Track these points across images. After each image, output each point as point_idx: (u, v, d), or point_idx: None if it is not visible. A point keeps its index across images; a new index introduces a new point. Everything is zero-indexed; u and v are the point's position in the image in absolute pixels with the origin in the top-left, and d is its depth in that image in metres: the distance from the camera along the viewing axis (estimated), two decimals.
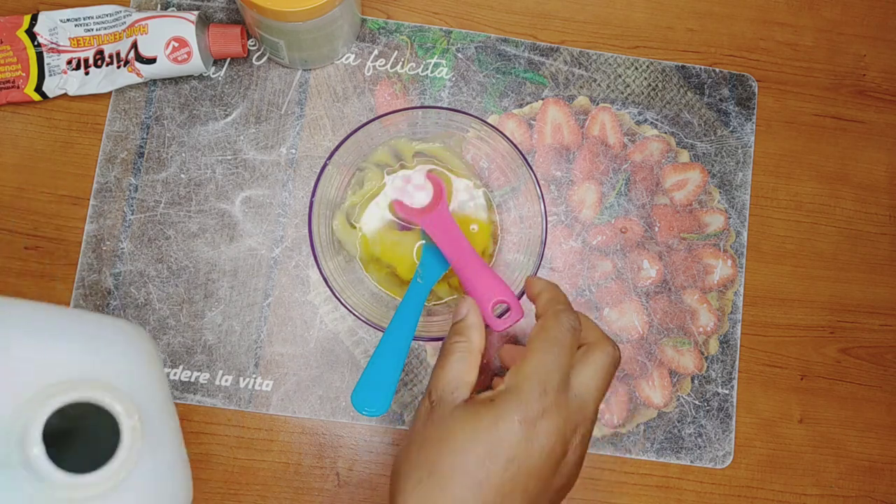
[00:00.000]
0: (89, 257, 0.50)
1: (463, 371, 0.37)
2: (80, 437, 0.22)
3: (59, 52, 0.50)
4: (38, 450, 0.20)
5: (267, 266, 0.51)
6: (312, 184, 0.45)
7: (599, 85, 0.55)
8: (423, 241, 0.48)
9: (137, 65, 0.49)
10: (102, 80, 0.50)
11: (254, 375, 0.50)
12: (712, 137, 0.55)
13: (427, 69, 0.54)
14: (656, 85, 0.55)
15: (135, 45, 0.49)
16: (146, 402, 0.23)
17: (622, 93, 0.55)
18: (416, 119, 0.48)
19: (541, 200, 0.45)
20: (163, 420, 0.25)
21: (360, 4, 0.52)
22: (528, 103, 0.54)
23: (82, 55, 0.50)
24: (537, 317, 0.38)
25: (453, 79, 0.54)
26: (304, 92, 0.53)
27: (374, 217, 0.49)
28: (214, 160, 0.52)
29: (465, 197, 0.50)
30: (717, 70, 0.56)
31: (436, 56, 0.54)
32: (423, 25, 0.54)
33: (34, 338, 0.23)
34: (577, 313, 0.38)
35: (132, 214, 0.51)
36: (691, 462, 0.51)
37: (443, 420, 0.35)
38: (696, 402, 0.52)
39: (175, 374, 0.50)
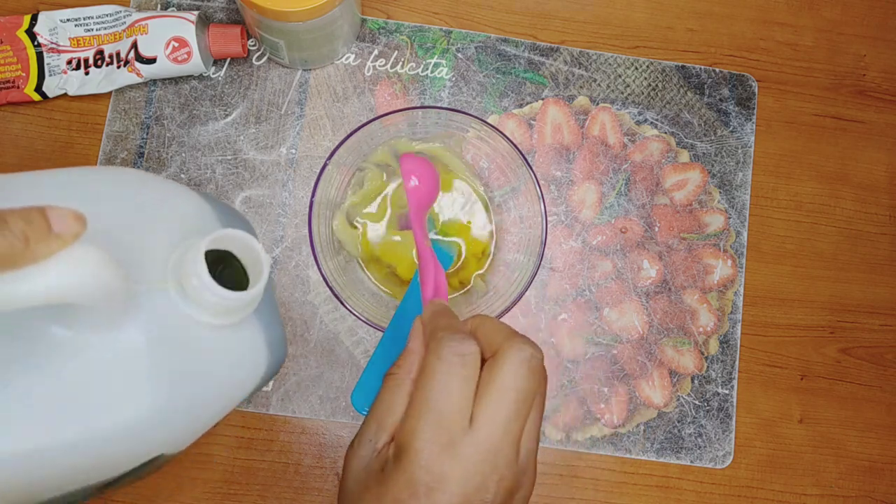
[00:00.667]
0: None
1: (384, 412, 0.29)
2: None
3: (59, 52, 0.50)
4: (202, 268, 0.24)
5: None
6: (312, 184, 0.45)
7: (599, 85, 0.55)
8: None
9: (137, 65, 0.49)
10: (102, 80, 0.50)
11: None
12: (712, 137, 0.55)
13: (427, 69, 0.54)
14: (656, 85, 0.55)
15: (135, 45, 0.49)
16: None
17: (622, 93, 0.55)
18: (416, 119, 0.48)
19: (541, 200, 0.45)
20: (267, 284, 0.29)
21: (360, 4, 0.52)
22: (528, 103, 0.54)
23: (82, 55, 0.50)
24: (485, 357, 0.30)
25: (453, 79, 0.54)
26: (304, 92, 0.53)
27: (375, 217, 0.49)
28: (214, 160, 0.52)
29: (465, 197, 0.50)
30: (717, 70, 0.56)
31: (436, 56, 0.54)
32: (423, 25, 0.54)
33: (174, 198, 0.28)
34: (466, 330, 0.30)
35: None
36: (691, 462, 0.51)
37: (345, 485, 0.30)
38: (696, 402, 0.52)
39: None
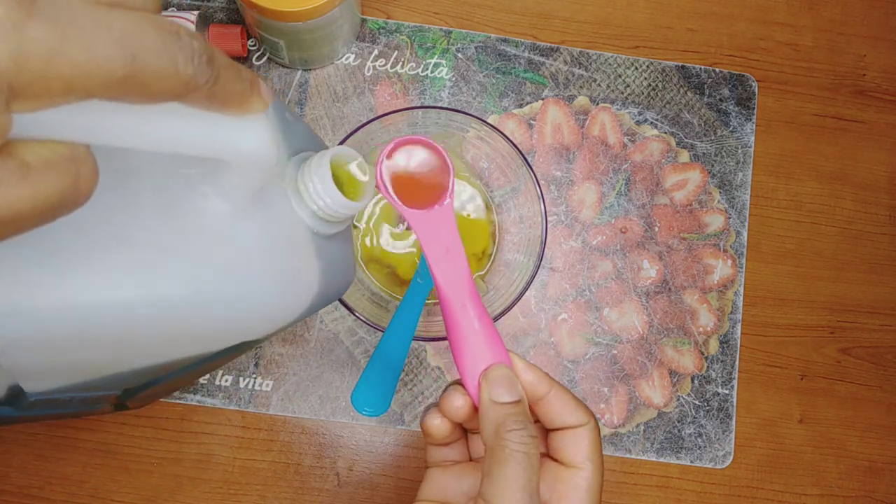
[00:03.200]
0: None
1: (534, 483, 0.28)
2: None
3: None
4: (327, 174, 0.27)
5: None
6: None
7: (599, 85, 0.55)
8: None
9: None
10: None
11: (254, 375, 0.50)
12: (712, 137, 0.55)
13: (427, 69, 0.54)
14: (656, 85, 0.55)
15: None
16: None
17: (622, 93, 0.55)
18: (416, 119, 0.48)
19: (541, 200, 0.45)
20: None
21: (360, 4, 0.52)
22: (528, 103, 0.54)
23: None
24: (566, 425, 0.30)
25: (453, 79, 0.54)
26: (304, 92, 0.53)
27: (375, 217, 0.49)
28: None
29: (465, 197, 0.50)
30: (717, 70, 0.56)
31: (436, 56, 0.54)
32: (423, 25, 0.54)
33: (297, 119, 0.31)
34: (529, 420, 0.29)
35: None
36: (691, 462, 0.51)
37: None
38: (696, 402, 0.52)
39: None
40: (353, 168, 0.29)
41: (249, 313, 0.27)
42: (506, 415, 0.28)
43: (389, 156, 0.30)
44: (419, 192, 0.31)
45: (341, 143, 0.45)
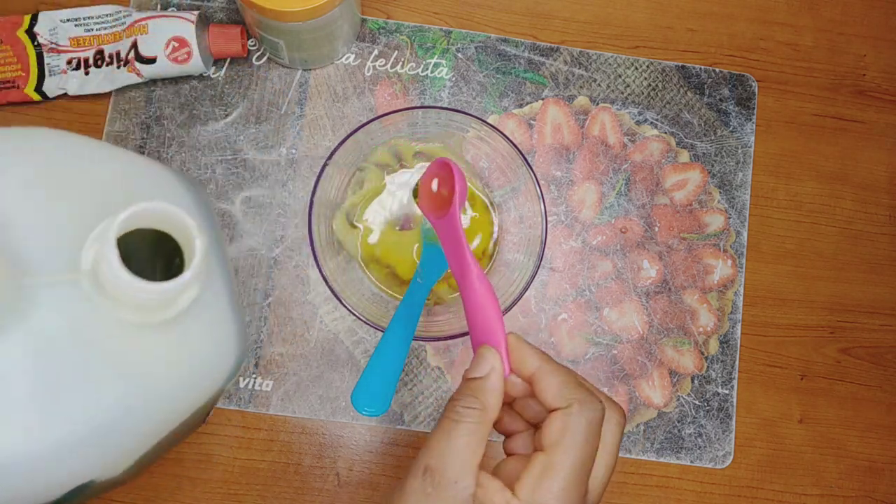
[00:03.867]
0: None
1: (469, 451, 0.29)
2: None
3: (59, 52, 0.50)
4: (112, 252, 0.19)
5: (267, 266, 0.51)
6: (312, 184, 0.45)
7: (599, 85, 0.55)
8: (424, 241, 0.48)
9: (137, 65, 0.49)
10: (102, 80, 0.50)
11: (254, 375, 0.50)
12: (712, 137, 0.55)
13: (427, 69, 0.54)
14: (656, 85, 0.55)
15: (135, 45, 0.49)
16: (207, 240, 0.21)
17: (622, 93, 0.55)
18: (416, 119, 0.48)
19: (541, 200, 0.45)
20: (218, 269, 0.23)
21: (360, 4, 0.52)
22: (528, 103, 0.54)
23: (82, 55, 0.50)
24: (551, 407, 0.30)
25: (453, 79, 0.54)
26: (304, 92, 0.53)
27: (375, 217, 0.49)
28: (214, 160, 0.52)
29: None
30: (717, 70, 0.56)
31: (436, 56, 0.54)
32: (423, 25, 0.54)
33: (106, 168, 0.22)
34: (592, 394, 0.30)
35: None
36: (691, 462, 0.51)
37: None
38: (696, 402, 0.52)
39: None
40: (175, 226, 0.21)
41: (43, 464, 0.20)
42: (461, 386, 0.32)
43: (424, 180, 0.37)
44: (438, 198, 0.37)
45: (341, 143, 0.45)
